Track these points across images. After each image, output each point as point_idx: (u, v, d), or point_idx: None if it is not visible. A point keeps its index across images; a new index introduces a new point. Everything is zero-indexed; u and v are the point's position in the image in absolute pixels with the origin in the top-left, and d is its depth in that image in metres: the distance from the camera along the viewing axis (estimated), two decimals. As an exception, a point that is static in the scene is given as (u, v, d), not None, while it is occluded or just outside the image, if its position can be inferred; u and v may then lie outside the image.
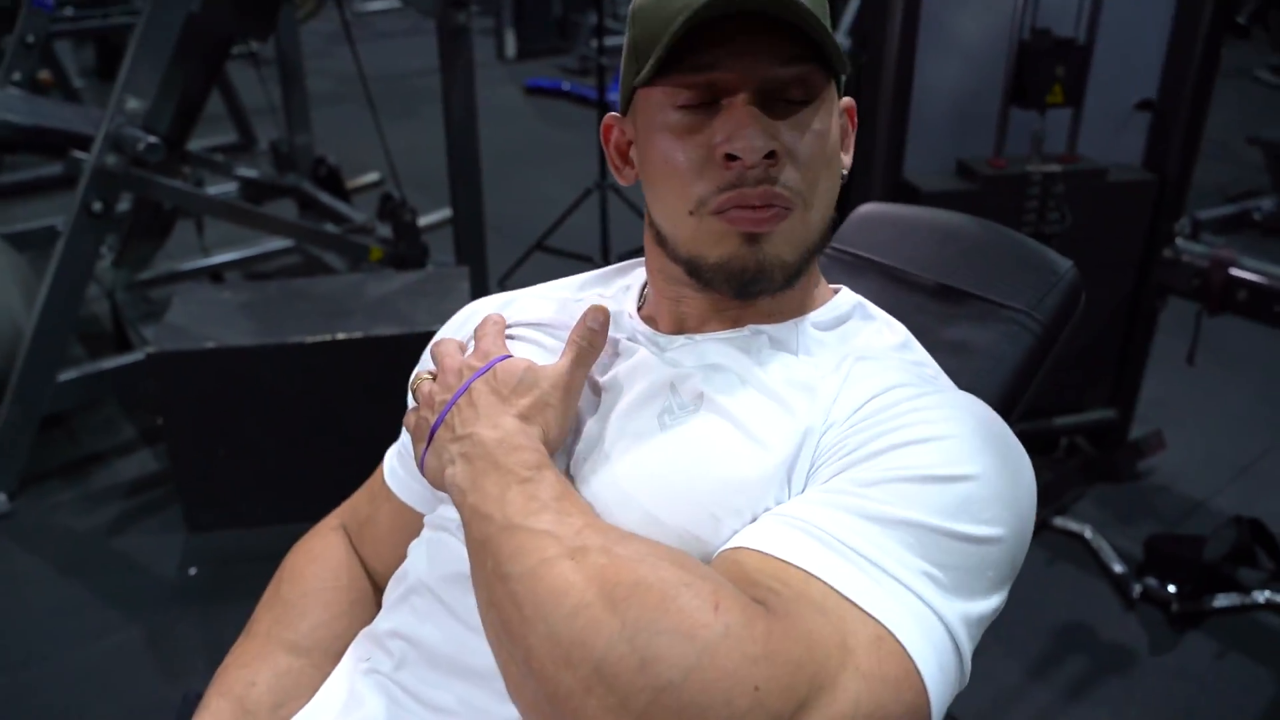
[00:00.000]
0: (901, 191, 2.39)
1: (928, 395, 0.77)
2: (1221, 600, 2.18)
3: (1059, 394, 2.68)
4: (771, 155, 0.77)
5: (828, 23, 0.79)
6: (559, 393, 0.81)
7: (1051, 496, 2.54)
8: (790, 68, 0.77)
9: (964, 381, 1.09)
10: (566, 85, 5.67)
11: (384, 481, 1.04)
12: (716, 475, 0.75)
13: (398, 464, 1.03)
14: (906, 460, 0.70)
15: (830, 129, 0.81)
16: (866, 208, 1.42)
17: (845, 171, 0.88)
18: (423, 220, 3.25)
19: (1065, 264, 1.24)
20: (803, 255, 0.81)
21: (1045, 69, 2.35)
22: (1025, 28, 2.36)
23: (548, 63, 6.39)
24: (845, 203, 1.34)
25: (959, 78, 2.40)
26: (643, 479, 0.77)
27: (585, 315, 0.84)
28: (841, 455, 0.73)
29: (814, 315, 0.88)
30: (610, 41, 5.69)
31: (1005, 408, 1.15)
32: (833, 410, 0.77)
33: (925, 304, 1.25)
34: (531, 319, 0.95)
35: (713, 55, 0.76)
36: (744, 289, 0.81)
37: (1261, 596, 2.18)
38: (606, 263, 3.17)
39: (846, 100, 0.89)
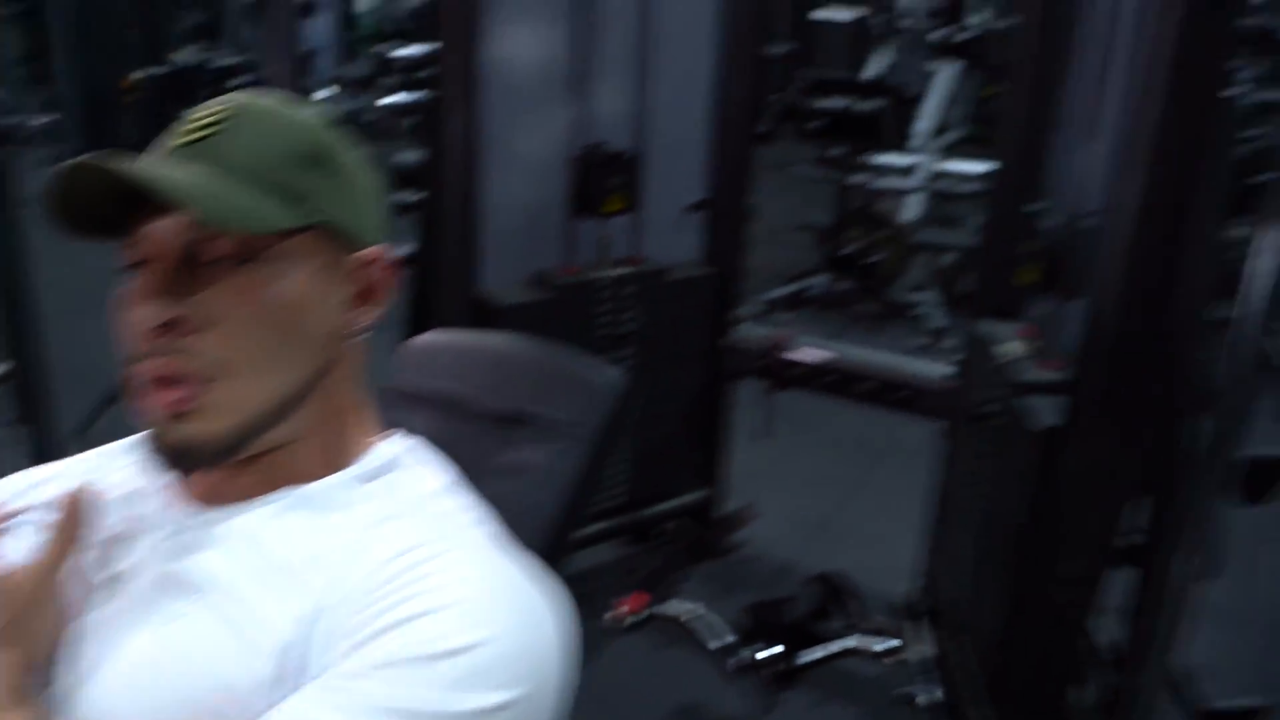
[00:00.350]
0: (479, 307, 2.45)
1: (439, 557, 0.73)
2: (811, 655, 2.36)
3: (656, 482, 2.82)
4: (172, 324, 0.73)
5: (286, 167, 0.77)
6: (35, 601, 0.73)
7: (658, 582, 2.65)
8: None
9: (518, 503, 1.12)
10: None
11: None
12: (205, 683, 0.70)
13: None
14: (408, 638, 0.67)
15: (287, 286, 0.76)
16: (423, 339, 1.43)
17: (362, 325, 0.84)
18: (-27, 377, 2.91)
19: (612, 372, 1.30)
20: (242, 425, 0.76)
21: (602, 180, 2.51)
22: (581, 143, 2.51)
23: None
24: (423, 326, 1.34)
25: (527, 192, 2.51)
26: (130, 692, 0.71)
27: (59, 502, 0.77)
28: (345, 636, 0.69)
29: (356, 468, 0.85)
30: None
31: (562, 519, 1.19)
32: (344, 583, 0.73)
33: (486, 430, 1.27)
34: (55, 496, 0.86)
35: (148, 217, 0.75)
36: (177, 465, 0.77)
37: (842, 645, 2.39)
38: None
39: (369, 251, 0.83)
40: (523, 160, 2.49)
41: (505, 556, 0.78)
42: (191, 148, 0.75)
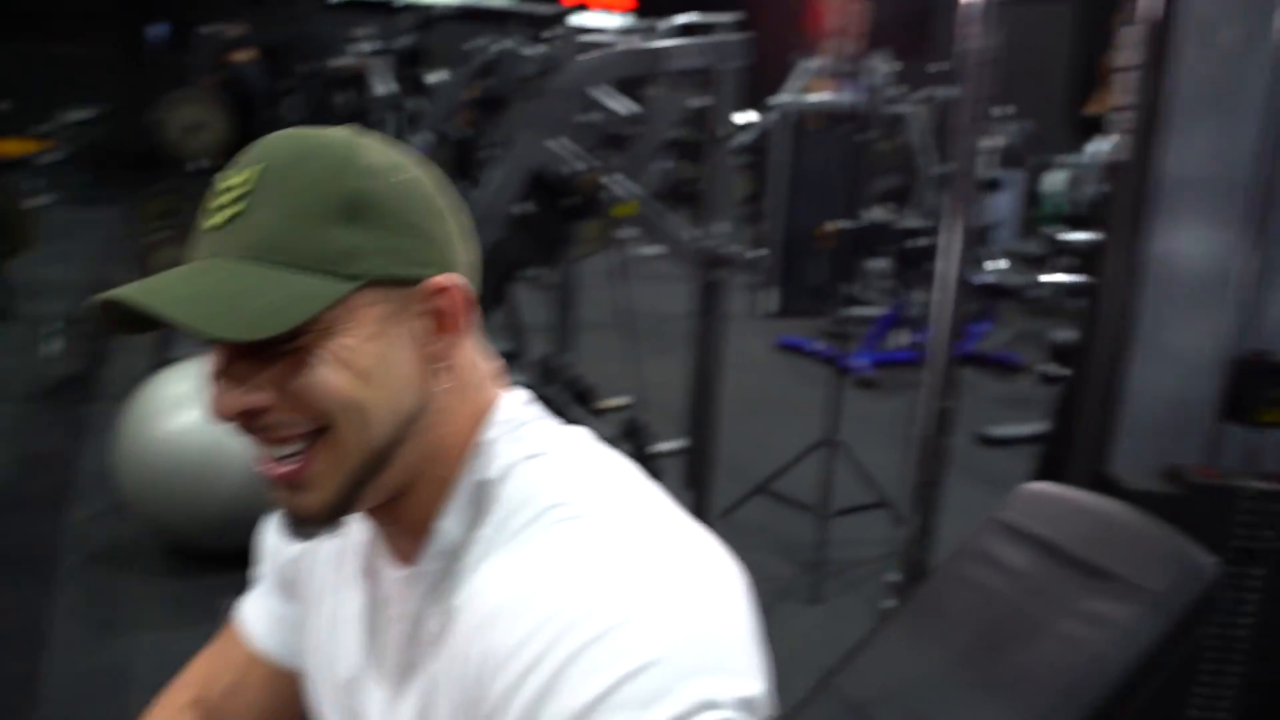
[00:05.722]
0: (1106, 487, 2.51)
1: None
2: None
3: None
4: (250, 411, 0.74)
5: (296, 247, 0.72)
6: None
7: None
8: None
9: (1086, 651, 1.28)
10: (812, 345, 6.03)
11: (243, 640, 1.00)
12: None
13: (264, 614, 1.00)
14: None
15: (350, 348, 0.74)
16: (1038, 486, 1.62)
17: (445, 356, 0.79)
18: (660, 446, 3.59)
19: (1209, 562, 1.40)
20: (345, 486, 0.77)
21: (1261, 389, 2.47)
22: (1242, 347, 2.50)
23: (804, 323, 6.81)
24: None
25: (1171, 386, 2.57)
26: None
27: None
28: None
29: (460, 504, 0.81)
30: (859, 311, 6.06)
31: (1123, 687, 1.30)
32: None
33: (1072, 576, 1.44)
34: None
35: None
36: (298, 534, 0.79)
37: None
38: (826, 515, 3.35)
39: (433, 282, 0.77)
40: (1172, 354, 2.55)
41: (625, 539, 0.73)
42: (218, 233, 0.74)
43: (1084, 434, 2.55)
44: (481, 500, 0.80)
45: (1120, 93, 2.53)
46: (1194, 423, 2.57)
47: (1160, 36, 2.38)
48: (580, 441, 0.84)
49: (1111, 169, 2.64)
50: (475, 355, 0.83)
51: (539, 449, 0.81)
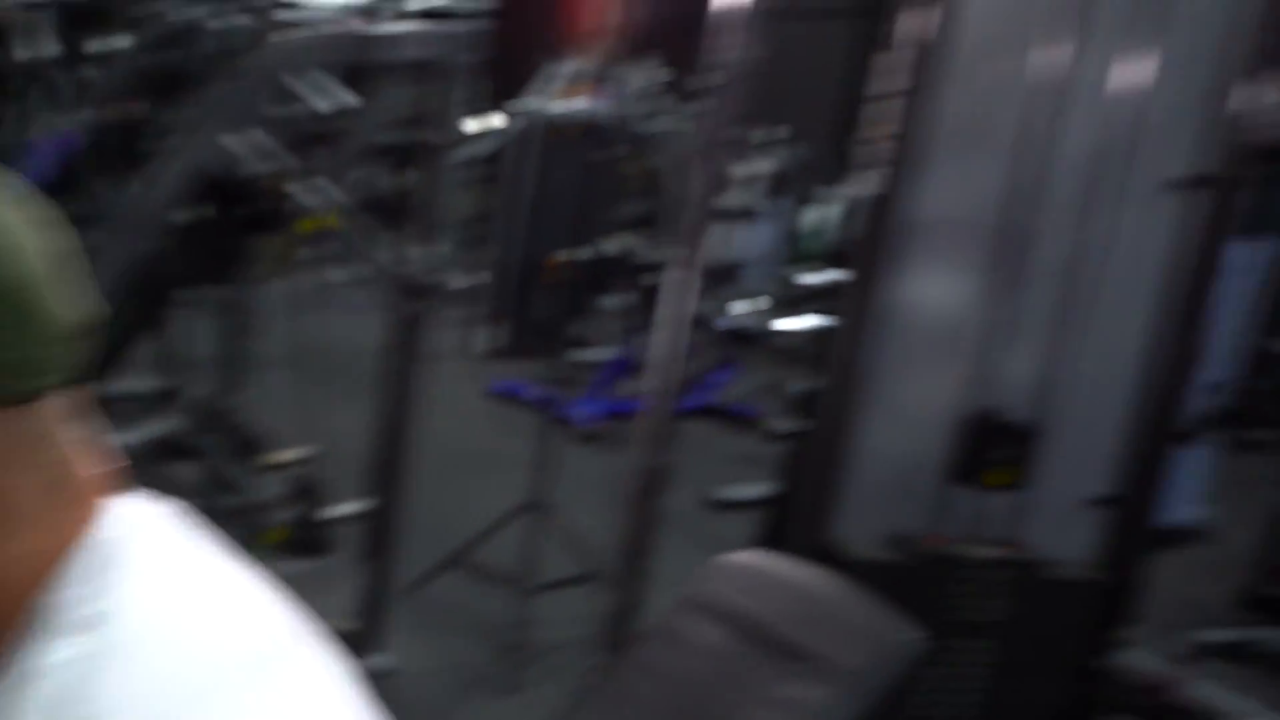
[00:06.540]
0: (828, 555, 2.58)
1: None
2: None
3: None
4: None
5: None
6: None
7: None
8: None
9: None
10: (528, 391, 5.95)
11: None
12: None
13: None
14: None
15: None
16: (741, 557, 1.63)
17: None
18: (339, 509, 3.45)
19: (913, 637, 1.44)
20: None
21: (989, 450, 2.62)
22: (972, 405, 2.64)
23: (531, 365, 6.72)
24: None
25: (902, 445, 2.68)
26: None
27: None
28: None
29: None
30: (590, 355, 6.05)
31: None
32: None
33: (769, 657, 1.45)
34: None
35: None
36: None
37: None
38: (528, 590, 3.26)
39: None
40: (905, 411, 2.66)
41: None
42: None
43: (807, 497, 2.62)
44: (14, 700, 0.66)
45: (874, 123, 2.62)
46: (923, 485, 2.69)
47: (922, 64, 2.47)
48: (170, 625, 0.68)
49: (859, 205, 2.75)
50: (29, 480, 0.68)
51: (99, 644, 0.66)
